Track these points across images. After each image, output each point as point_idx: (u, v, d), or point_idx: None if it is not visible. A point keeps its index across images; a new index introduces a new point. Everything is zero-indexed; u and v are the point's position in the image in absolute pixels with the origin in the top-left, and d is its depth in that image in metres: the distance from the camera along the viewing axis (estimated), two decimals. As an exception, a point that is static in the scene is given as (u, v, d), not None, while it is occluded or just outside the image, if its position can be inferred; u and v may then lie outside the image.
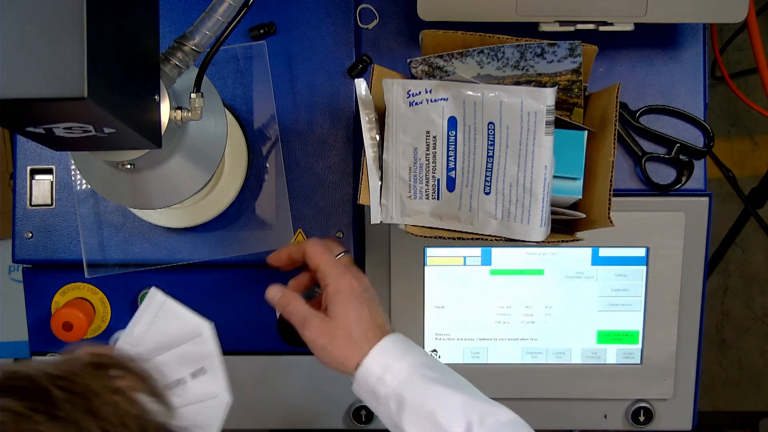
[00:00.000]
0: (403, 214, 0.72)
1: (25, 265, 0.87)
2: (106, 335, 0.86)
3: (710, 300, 1.78)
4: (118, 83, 0.51)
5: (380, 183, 0.72)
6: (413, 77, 0.71)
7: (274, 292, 0.73)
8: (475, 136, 0.68)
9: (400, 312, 0.85)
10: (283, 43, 0.84)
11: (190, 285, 0.86)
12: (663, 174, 0.84)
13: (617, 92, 0.67)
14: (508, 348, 0.86)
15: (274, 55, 0.84)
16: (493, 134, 0.66)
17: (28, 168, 0.85)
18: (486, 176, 0.68)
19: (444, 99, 0.68)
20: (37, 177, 0.85)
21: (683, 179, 0.84)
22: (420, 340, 0.86)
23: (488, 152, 0.67)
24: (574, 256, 0.84)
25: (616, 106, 0.67)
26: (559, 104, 0.71)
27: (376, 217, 0.72)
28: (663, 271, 0.84)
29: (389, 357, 0.68)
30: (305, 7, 0.84)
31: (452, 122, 0.68)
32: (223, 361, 0.69)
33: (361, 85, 0.70)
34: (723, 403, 1.81)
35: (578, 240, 0.67)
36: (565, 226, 0.71)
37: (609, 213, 0.65)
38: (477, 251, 0.84)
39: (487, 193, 0.68)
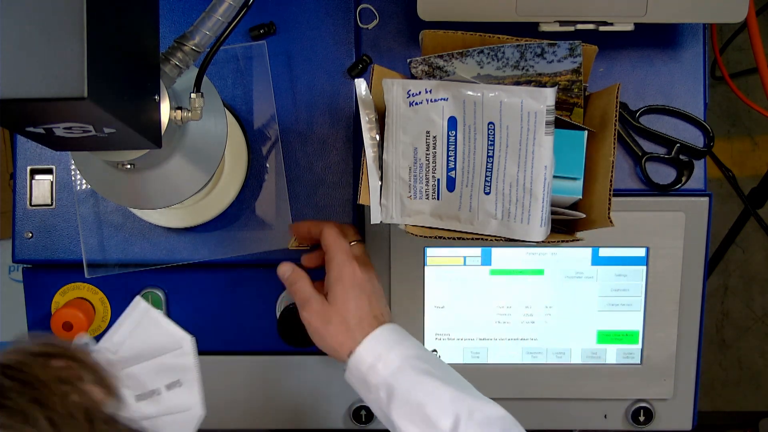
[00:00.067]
0: (403, 214, 0.72)
1: (25, 265, 0.87)
2: (106, 335, 0.86)
3: (710, 300, 1.79)
4: (118, 83, 0.51)
5: (380, 183, 0.72)
6: (413, 77, 0.71)
7: (285, 269, 0.75)
8: (475, 136, 0.67)
9: (400, 312, 0.85)
10: (283, 43, 0.84)
11: (190, 285, 0.87)
12: (663, 174, 0.84)
13: (617, 92, 0.67)
14: (508, 348, 0.86)
15: (274, 55, 0.84)
16: (493, 134, 0.66)
17: (28, 168, 0.85)
18: (486, 176, 0.68)
19: (444, 99, 0.68)
20: (37, 177, 0.85)
21: (683, 179, 0.84)
22: (420, 340, 0.86)
23: (488, 152, 0.67)
24: (574, 256, 0.84)
25: (616, 106, 0.67)
26: (559, 104, 0.71)
27: (376, 217, 0.72)
28: (663, 271, 0.84)
29: (382, 346, 0.69)
30: (305, 7, 0.84)
31: (452, 122, 0.68)
32: (200, 376, 0.69)
33: (361, 85, 0.70)
34: (723, 403, 1.81)
35: (578, 240, 0.67)
36: (565, 226, 0.71)
37: (609, 213, 0.65)
38: (477, 251, 0.84)
39: (487, 193, 0.68)
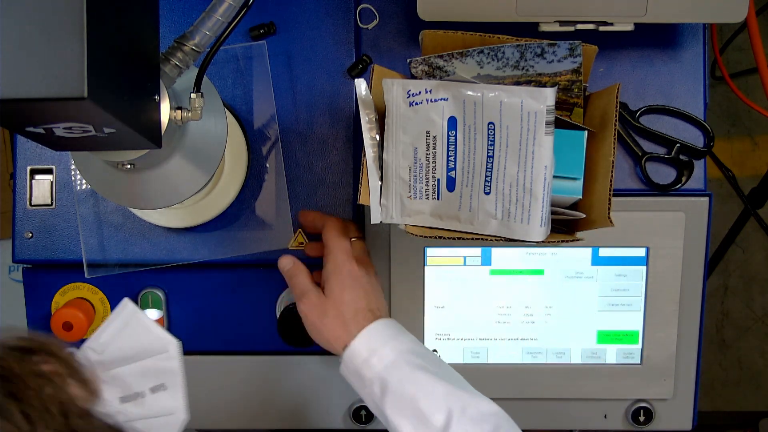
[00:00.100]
0: (403, 214, 0.72)
1: (25, 265, 0.87)
2: (106, 335, 0.86)
3: (710, 300, 1.79)
4: (118, 83, 0.51)
5: (380, 183, 0.72)
6: (413, 77, 0.71)
7: (285, 262, 0.77)
8: (475, 136, 0.67)
9: (400, 312, 0.85)
10: (283, 43, 0.84)
11: (190, 285, 0.87)
12: (663, 174, 0.84)
13: (617, 92, 0.67)
14: (508, 348, 0.86)
15: (274, 55, 0.84)
16: (493, 134, 0.66)
17: (28, 168, 0.85)
18: (486, 176, 0.68)
19: (444, 99, 0.68)
20: (37, 177, 0.85)
21: (683, 179, 0.84)
22: (420, 340, 0.86)
23: (488, 152, 0.67)
24: (574, 256, 0.84)
25: (616, 106, 0.67)
26: (559, 104, 0.71)
27: (376, 217, 0.72)
28: (663, 271, 0.84)
29: (377, 340, 0.69)
30: (305, 7, 0.84)
31: (452, 122, 0.68)
32: (185, 381, 0.69)
33: (361, 85, 0.70)
34: (723, 403, 1.81)
35: (578, 240, 0.67)
36: (565, 226, 0.71)
37: (609, 213, 0.65)
38: (477, 251, 0.84)
39: (487, 193, 0.68)
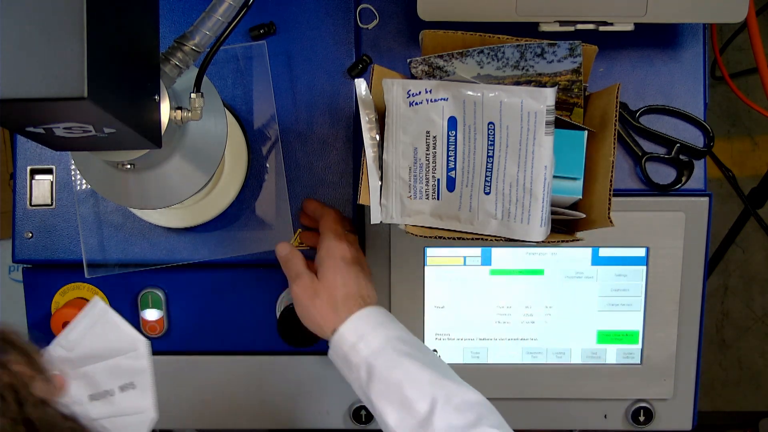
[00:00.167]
0: (403, 214, 0.72)
1: (25, 265, 0.87)
2: (106, 335, 0.86)
3: (710, 300, 1.79)
4: (118, 83, 0.51)
5: (380, 183, 0.72)
6: (413, 77, 0.71)
7: (283, 247, 0.78)
8: (475, 136, 0.67)
9: (400, 312, 0.85)
10: (283, 43, 0.84)
11: (190, 285, 0.87)
12: (663, 174, 0.84)
13: (617, 92, 0.67)
14: (508, 348, 0.86)
15: (274, 55, 0.84)
16: (493, 134, 0.66)
17: (28, 168, 0.85)
18: (486, 176, 0.68)
19: (444, 99, 0.68)
20: (37, 177, 0.85)
21: (683, 179, 0.84)
22: (420, 340, 0.86)
23: (488, 152, 0.67)
24: (574, 256, 0.84)
25: (616, 106, 0.67)
26: (559, 104, 0.71)
27: (376, 217, 0.72)
28: (663, 271, 0.84)
29: (365, 326, 0.70)
30: (305, 7, 0.84)
31: (452, 122, 0.68)
32: (154, 380, 0.70)
33: (361, 85, 0.70)
34: (723, 403, 1.81)
35: (578, 240, 0.67)
36: (565, 226, 0.71)
37: (609, 213, 0.65)
38: (477, 251, 0.84)
39: (487, 193, 0.68)
